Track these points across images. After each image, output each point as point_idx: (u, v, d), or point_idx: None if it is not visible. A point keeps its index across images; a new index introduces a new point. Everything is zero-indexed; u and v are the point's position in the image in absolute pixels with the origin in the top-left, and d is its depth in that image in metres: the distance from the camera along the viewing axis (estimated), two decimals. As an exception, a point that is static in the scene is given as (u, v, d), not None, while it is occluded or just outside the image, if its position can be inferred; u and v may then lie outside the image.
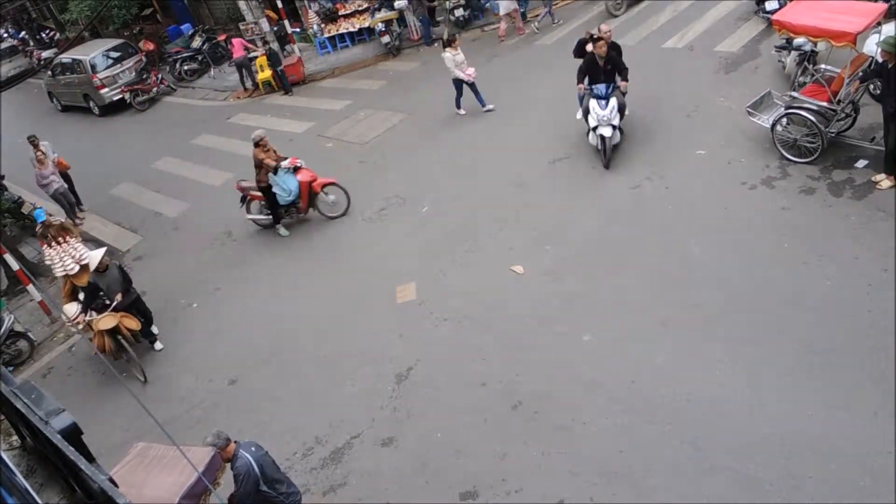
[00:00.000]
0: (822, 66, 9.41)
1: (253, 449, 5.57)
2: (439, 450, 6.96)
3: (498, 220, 10.03)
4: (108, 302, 9.22)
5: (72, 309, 9.54)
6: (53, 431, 2.81)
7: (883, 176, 8.33)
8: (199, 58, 20.96)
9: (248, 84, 18.63)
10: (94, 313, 9.18)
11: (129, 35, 23.90)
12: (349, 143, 13.95)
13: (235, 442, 5.61)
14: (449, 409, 7.37)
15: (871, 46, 8.60)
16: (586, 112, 10.18)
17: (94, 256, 9.25)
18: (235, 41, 18.36)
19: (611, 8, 15.56)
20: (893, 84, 7.97)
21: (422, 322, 8.68)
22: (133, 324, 9.21)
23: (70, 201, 14.04)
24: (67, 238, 11.45)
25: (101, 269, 9.12)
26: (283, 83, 17.75)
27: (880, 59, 8.19)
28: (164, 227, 13.23)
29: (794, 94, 9.12)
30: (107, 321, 8.97)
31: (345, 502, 6.81)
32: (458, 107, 13.30)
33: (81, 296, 9.65)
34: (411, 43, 17.90)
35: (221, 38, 21.23)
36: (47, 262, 10.05)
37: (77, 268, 9.75)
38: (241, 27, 20.45)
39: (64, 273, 9.84)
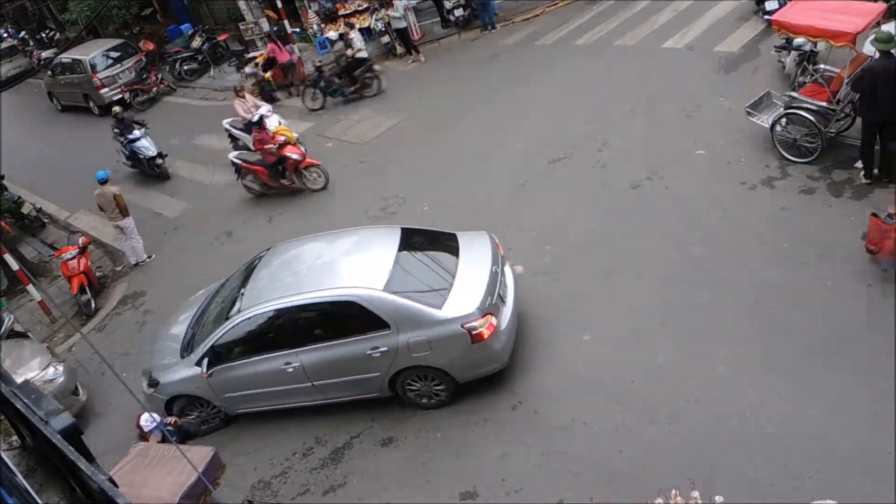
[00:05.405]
0: (822, 66, 9.41)
1: None
2: (439, 450, 6.97)
3: (498, 219, 10.01)
4: None
5: None
6: (53, 431, 2.81)
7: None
8: (199, 58, 20.91)
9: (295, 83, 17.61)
10: None
11: (129, 35, 23.86)
12: (349, 143, 13.94)
13: None
14: (449, 409, 7.37)
15: (870, 46, 8.60)
16: None
17: None
18: (273, 46, 17.38)
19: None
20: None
21: (422, 322, 8.66)
22: None
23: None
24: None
25: None
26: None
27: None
28: (164, 227, 13.21)
29: (794, 94, 9.13)
30: None
31: (345, 502, 6.81)
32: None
33: None
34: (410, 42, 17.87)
35: (222, 38, 21.18)
36: None
37: None
38: (241, 27, 20.41)
39: None
